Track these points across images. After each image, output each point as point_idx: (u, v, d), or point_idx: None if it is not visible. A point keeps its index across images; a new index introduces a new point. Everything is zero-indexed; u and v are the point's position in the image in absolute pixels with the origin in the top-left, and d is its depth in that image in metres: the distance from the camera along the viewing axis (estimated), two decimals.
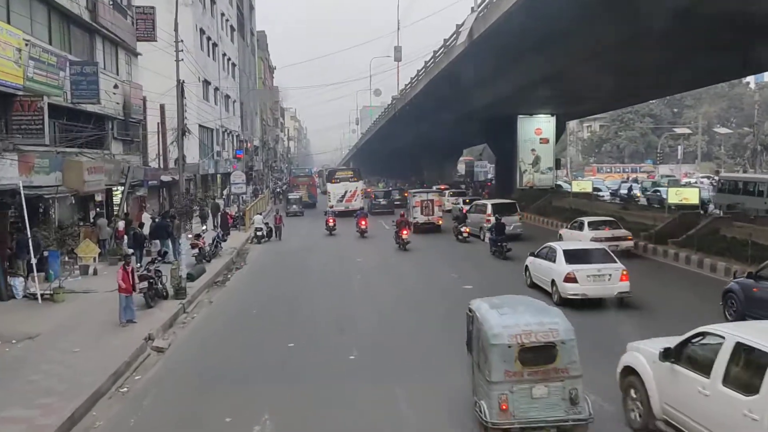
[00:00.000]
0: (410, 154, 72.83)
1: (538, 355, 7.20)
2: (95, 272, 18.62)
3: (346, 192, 40.80)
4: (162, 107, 30.53)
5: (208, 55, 43.95)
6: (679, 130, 71.88)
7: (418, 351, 11.69)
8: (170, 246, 20.48)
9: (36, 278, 15.50)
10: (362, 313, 14.94)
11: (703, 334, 7.23)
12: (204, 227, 26.98)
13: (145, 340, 12.18)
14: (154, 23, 28.33)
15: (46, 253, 17.06)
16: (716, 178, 52.85)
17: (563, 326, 7.37)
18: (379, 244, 26.84)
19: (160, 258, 17.32)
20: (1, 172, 15.28)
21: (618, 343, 9.34)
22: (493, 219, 23.49)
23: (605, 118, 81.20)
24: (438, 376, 10.09)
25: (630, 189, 41.38)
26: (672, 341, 7.57)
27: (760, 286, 12.12)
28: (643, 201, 36.36)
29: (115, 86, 23.29)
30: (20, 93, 16.58)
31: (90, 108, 21.51)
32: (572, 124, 74.23)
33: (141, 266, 16.43)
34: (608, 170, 72.95)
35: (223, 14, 50.21)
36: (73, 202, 19.73)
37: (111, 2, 24.41)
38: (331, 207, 37.44)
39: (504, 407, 7.13)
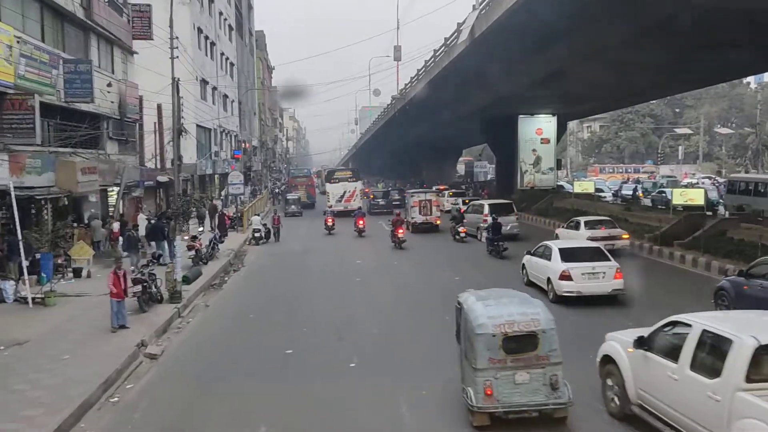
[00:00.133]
0: (409, 155, 72.53)
1: (520, 344, 7.68)
2: (89, 275, 18.18)
3: (344, 192, 40.76)
4: (159, 107, 30.10)
5: (206, 55, 43.57)
6: (680, 131, 71.57)
7: (419, 353, 11.48)
8: (166, 248, 20.05)
9: (27, 281, 15.07)
10: (361, 314, 14.71)
11: (674, 324, 7.65)
12: (201, 228, 26.56)
13: (138, 346, 11.75)
14: (151, 21, 27.91)
15: (38, 256, 16.66)
16: (719, 179, 52.71)
17: (544, 317, 7.86)
18: (376, 244, 26.98)
19: (154, 261, 16.88)
20: None
21: None
22: (489, 219, 23.58)
23: (605, 119, 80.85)
24: (439, 378, 9.80)
25: (635, 190, 40.93)
26: (646, 331, 8.00)
27: (750, 284, 12.55)
28: (646, 202, 35.95)
29: (109, 84, 22.83)
30: (11, 91, 16.18)
31: (84, 107, 21.11)
32: (572, 125, 73.75)
33: (135, 269, 16.01)
34: (611, 170, 72.61)
35: (221, 13, 49.82)
36: (66, 203, 19.28)
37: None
38: (330, 207, 37.36)
39: (489, 392, 7.62)
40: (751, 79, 74.88)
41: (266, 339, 12.84)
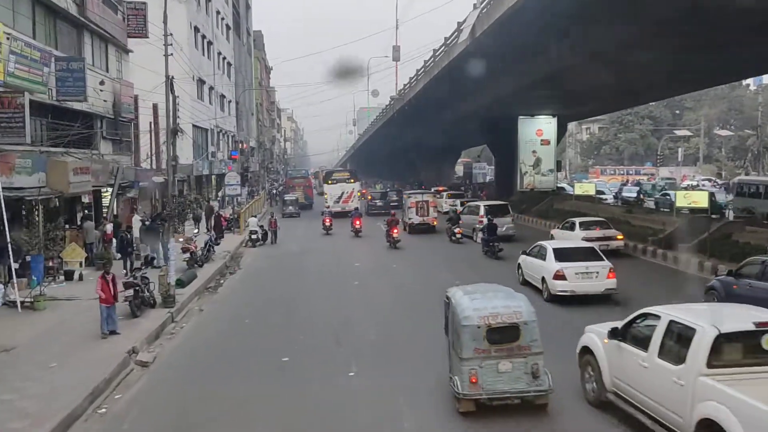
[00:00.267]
0: (408, 156, 72.11)
1: (503, 335, 8.16)
2: (80, 277, 17.74)
3: (342, 193, 40.75)
4: (155, 106, 29.66)
5: (203, 54, 43.15)
6: (679, 132, 71.24)
7: (416, 354, 11.32)
8: (160, 250, 19.60)
9: (16, 284, 14.63)
10: (359, 316, 14.57)
11: (645, 315, 8.10)
12: (196, 230, 26.11)
13: (128, 353, 11.33)
14: (146, 19, 27.44)
15: (28, 258, 16.22)
16: (719, 182, 52.36)
17: (526, 309, 8.34)
18: (373, 244, 27.14)
19: (146, 264, 16.45)
20: None
21: None
22: (485, 220, 23.73)
23: (604, 120, 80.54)
24: (436, 377, 9.68)
25: (639, 192, 40.48)
26: (621, 323, 8.48)
27: (739, 283, 12.99)
28: (649, 204, 35.51)
29: (101, 82, 22.35)
30: (0, 89, 15.74)
31: (77, 106, 20.68)
32: (571, 126, 73.17)
33: (127, 272, 15.58)
34: (612, 172, 72.24)
35: (218, 12, 49.39)
36: (57, 204, 18.82)
37: None
38: (328, 207, 37.18)
39: (474, 380, 8.10)
40: (750, 81, 74.59)
41: (262, 344, 12.48)
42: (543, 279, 15.50)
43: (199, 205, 32.93)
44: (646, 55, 22.25)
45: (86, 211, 22.47)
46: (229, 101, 53.14)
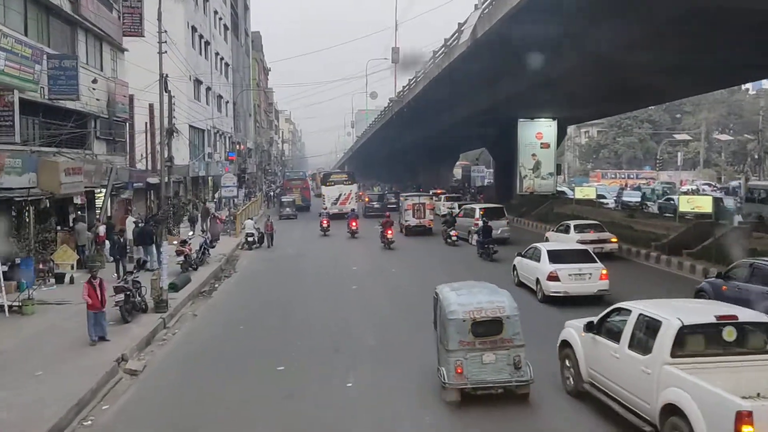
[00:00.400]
0: (406, 158, 71.87)
1: (487, 328, 8.61)
2: (72, 281, 17.25)
3: (340, 195, 40.58)
4: (151, 106, 29.24)
5: (200, 54, 42.74)
6: (679, 137, 70.96)
7: (415, 357, 11.07)
8: (154, 253, 19.12)
9: (3, 288, 14.18)
10: (356, 319, 14.41)
11: (618, 310, 8.57)
12: (191, 232, 25.63)
13: (117, 361, 10.89)
14: (142, 17, 27.04)
15: (17, 260, 15.76)
16: (718, 186, 52.02)
17: (509, 304, 8.83)
18: (369, 245, 27.16)
19: (138, 267, 16.01)
20: None
21: None
22: (480, 222, 23.90)
23: (603, 124, 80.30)
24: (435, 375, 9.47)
25: (643, 196, 40.05)
26: (596, 318, 8.92)
27: (728, 285, 13.27)
28: (652, 209, 35.11)
29: (94, 81, 21.85)
30: None
31: (70, 105, 20.23)
32: (570, 129, 72.72)
33: (118, 276, 15.14)
34: (613, 176, 71.89)
35: (216, 12, 49.02)
36: (48, 205, 18.35)
37: None
38: (326, 209, 36.90)
39: (459, 371, 8.56)
40: (749, 85, 74.45)
41: (257, 349, 12.12)
42: (537, 280, 15.76)
43: (195, 207, 32.47)
44: (647, 56, 22.02)
45: (79, 213, 21.99)
46: (227, 102, 52.73)
